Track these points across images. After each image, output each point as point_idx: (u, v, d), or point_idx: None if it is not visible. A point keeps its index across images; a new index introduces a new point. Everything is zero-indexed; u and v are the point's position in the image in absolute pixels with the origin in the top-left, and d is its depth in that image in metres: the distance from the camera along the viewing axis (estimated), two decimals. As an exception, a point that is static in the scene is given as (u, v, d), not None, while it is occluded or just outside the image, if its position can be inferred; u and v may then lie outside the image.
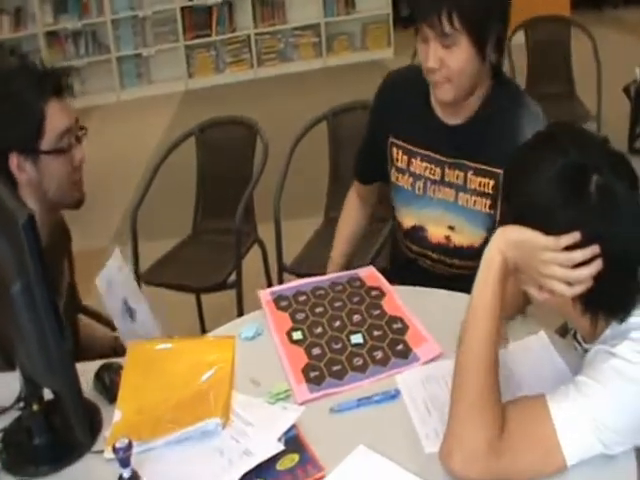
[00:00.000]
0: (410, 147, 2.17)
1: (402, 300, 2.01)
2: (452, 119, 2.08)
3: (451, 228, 2.14)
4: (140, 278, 3.38)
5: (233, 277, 3.41)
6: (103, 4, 8.28)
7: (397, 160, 2.20)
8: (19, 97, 1.90)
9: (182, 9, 8.50)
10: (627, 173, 1.41)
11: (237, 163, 3.71)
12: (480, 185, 2.06)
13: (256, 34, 8.76)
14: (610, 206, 1.37)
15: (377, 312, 1.98)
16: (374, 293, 2.06)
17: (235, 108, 5.25)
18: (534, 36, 5.28)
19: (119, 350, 2.18)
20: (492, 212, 2.04)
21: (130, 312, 2.03)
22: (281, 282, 3.36)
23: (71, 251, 2.27)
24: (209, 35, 8.69)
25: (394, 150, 2.20)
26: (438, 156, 2.11)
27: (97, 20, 8.37)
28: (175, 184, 4.46)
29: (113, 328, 2.50)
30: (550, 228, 1.38)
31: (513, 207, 1.48)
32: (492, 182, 2.02)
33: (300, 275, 3.24)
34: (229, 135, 3.78)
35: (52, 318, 1.39)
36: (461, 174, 2.08)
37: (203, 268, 3.52)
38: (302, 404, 1.67)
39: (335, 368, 1.78)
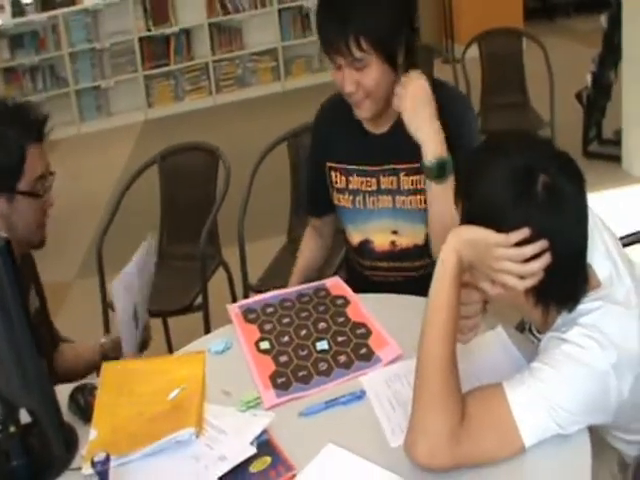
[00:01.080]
0: (346, 166, 2.24)
1: (365, 307, 2.08)
2: (379, 128, 2.18)
3: (394, 232, 2.22)
4: (108, 306, 3.42)
5: (199, 300, 3.46)
6: (60, 38, 8.28)
7: (336, 182, 2.28)
8: (3, 135, 1.97)
9: (140, 39, 8.53)
10: (572, 172, 1.50)
11: (200, 188, 3.76)
12: (412, 184, 2.15)
13: (214, 61, 8.81)
14: (557, 203, 1.46)
15: (342, 319, 2.05)
16: (339, 302, 2.13)
17: (196, 135, 5.28)
18: (487, 49, 5.39)
19: (108, 356, 2.24)
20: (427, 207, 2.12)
21: (136, 319, 2.09)
22: (247, 301, 3.43)
23: (38, 276, 2.30)
24: (167, 64, 8.72)
25: (332, 174, 2.28)
26: (371, 167, 2.20)
27: (54, 54, 8.36)
28: (139, 212, 4.49)
29: None
30: (501, 226, 1.47)
31: (466, 208, 1.56)
32: (423, 177, 2.07)
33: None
34: (191, 161, 3.83)
35: (28, 338, 1.45)
36: (394, 179, 2.17)
37: (169, 292, 3.54)
38: (270, 409, 1.74)
39: (301, 373, 1.85)
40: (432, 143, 1.97)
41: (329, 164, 2.28)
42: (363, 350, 1.90)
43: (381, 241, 2.26)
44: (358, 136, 2.21)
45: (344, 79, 2.02)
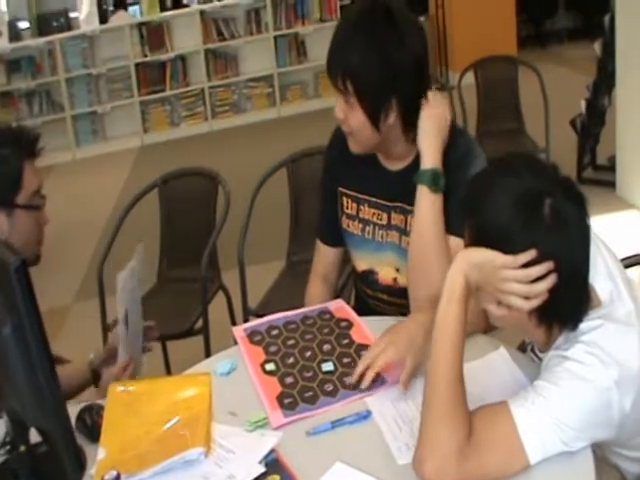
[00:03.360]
0: (357, 195, 2.26)
1: (369, 329, 2.09)
2: (394, 165, 2.19)
3: (397, 270, 2.23)
4: (108, 329, 3.42)
5: (199, 324, 3.47)
6: (56, 63, 8.32)
7: (347, 208, 2.29)
8: (1, 152, 2.01)
9: (136, 65, 8.59)
10: (576, 196, 1.54)
11: (200, 213, 3.80)
12: None
13: (210, 87, 8.86)
14: (562, 226, 1.50)
15: (346, 341, 2.06)
16: (343, 324, 2.14)
17: (192, 161, 5.31)
18: (483, 76, 5.46)
19: (97, 373, 2.25)
20: None
21: (126, 322, 2.11)
22: (247, 325, 3.44)
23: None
24: (163, 90, 8.77)
25: (344, 199, 2.30)
26: (383, 202, 2.21)
27: (51, 79, 8.40)
28: (138, 236, 4.49)
29: None
30: (508, 248, 1.51)
31: (473, 230, 1.60)
32: None
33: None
34: (191, 186, 3.86)
35: (44, 357, 1.46)
36: (403, 218, 2.17)
37: (169, 316, 3.55)
38: (277, 428, 1.76)
39: (307, 394, 1.87)
40: (431, 156, 2.02)
41: (340, 189, 2.30)
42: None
43: (385, 275, 2.27)
44: (372, 168, 2.21)
45: (336, 103, 2.06)
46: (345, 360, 1.98)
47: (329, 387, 1.89)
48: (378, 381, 1.87)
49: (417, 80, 2.02)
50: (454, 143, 2.08)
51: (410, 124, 2.06)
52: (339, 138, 2.22)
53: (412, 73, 1.99)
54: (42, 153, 2.13)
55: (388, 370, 1.86)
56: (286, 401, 1.86)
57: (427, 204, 2.02)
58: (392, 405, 1.79)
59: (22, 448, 1.68)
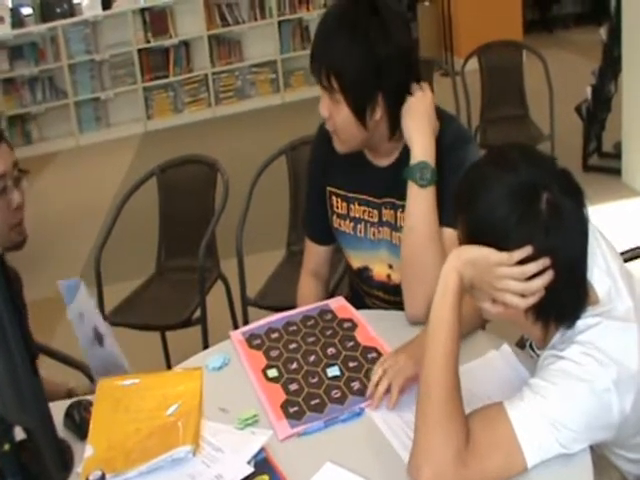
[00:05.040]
0: (347, 194, 2.21)
1: (374, 329, 2.03)
2: (381, 161, 2.14)
3: (390, 267, 2.18)
4: (105, 320, 3.39)
5: (198, 314, 3.43)
6: (59, 49, 8.30)
7: (337, 207, 2.24)
8: None
9: (139, 51, 8.56)
10: (573, 189, 1.49)
11: (198, 201, 3.76)
12: None
13: (213, 73, 8.83)
14: (558, 221, 1.44)
15: (351, 344, 1.99)
16: (346, 325, 2.07)
17: (195, 147, 5.29)
18: (487, 61, 5.39)
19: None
20: None
21: (99, 338, 2.06)
22: (245, 316, 3.41)
23: (22, 293, 2.25)
24: (167, 76, 8.74)
25: (333, 198, 2.25)
26: (373, 199, 2.16)
27: (54, 65, 8.39)
28: (137, 225, 4.49)
29: (73, 365, 2.53)
30: (503, 244, 1.45)
31: (467, 225, 1.54)
32: None
33: (264, 308, 3.28)
34: (190, 174, 3.81)
35: (24, 354, 1.43)
36: (393, 213, 2.12)
37: (168, 306, 3.54)
38: (284, 440, 1.68)
39: (314, 402, 1.79)
40: (418, 150, 1.97)
41: (329, 189, 2.25)
42: None
43: (379, 271, 2.22)
44: (359, 165, 2.17)
45: (321, 101, 2.02)
46: (351, 364, 1.91)
47: (336, 393, 1.81)
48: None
49: (403, 74, 1.97)
50: (443, 130, 2.03)
51: (397, 119, 2.01)
52: (324, 135, 2.17)
53: (398, 67, 1.94)
54: (3, 135, 2.06)
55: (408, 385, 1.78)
56: (292, 410, 1.77)
57: (416, 199, 1.97)
58: (396, 413, 1.71)
59: (6, 447, 1.64)
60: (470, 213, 1.53)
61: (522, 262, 1.45)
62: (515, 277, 1.45)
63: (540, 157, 1.55)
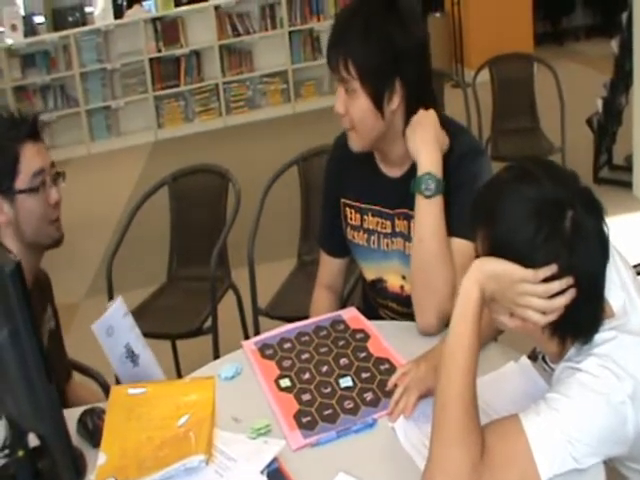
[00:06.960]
0: (360, 205, 2.22)
1: (386, 340, 2.03)
2: (394, 172, 2.15)
3: (403, 277, 2.18)
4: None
5: (208, 323, 3.43)
6: (71, 58, 8.34)
7: (351, 219, 2.25)
8: None
9: (150, 60, 8.59)
10: (595, 207, 1.48)
11: (210, 210, 3.77)
12: None
13: (224, 83, 8.85)
14: (581, 240, 1.44)
15: (363, 354, 1.98)
16: (359, 336, 2.07)
17: (206, 156, 5.29)
18: (498, 73, 5.40)
19: None
20: None
21: (132, 357, 2.06)
22: (256, 326, 3.40)
23: (53, 297, 2.31)
24: (178, 85, 8.77)
25: (347, 210, 2.26)
26: (386, 210, 2.16)
27: (65, 74, 8.43)
28: (149, 233, 4.49)
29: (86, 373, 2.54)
30: (528, 261, 1.44)
31: (488, 239, 1.52)
32: None
33: (275, 318, 3.29)
34: (201, 183, 3.83)
35: (39, 362, 1.43)
36: (406, 224, 2.12)
37: (179, 315, 3.55)
38: (297, 450, 1.68)
39: (327, 412, 1.79)
40: (423, 163, 1.98)
41: (343, 200, 2.26)
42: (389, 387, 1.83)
43: (393, 283, 2.22)
44: (372, 176, 2.18)
45: (337, 97, 2.04)
46: (364, 375, 1.90)
47: (349, 404, 1.80)
48: None
49: (420, 63, 2.00)
50: (454, 142, 2.04)
51: (413, 112, 2.02)
52: (339, 149, 2.20)
53: (415, 56, 1.98)
54: (44, 131, 2.11)
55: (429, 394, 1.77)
56: (304, 420, 1.77)
57: (423, 210, 1.99)
58: (415, 425, 1.70)
59: (20, 453, 1.65)
60: (492, 228, 1.51)
61: (546, 280, 1.44)
62: (539, 295, 1.45)
63: (564, 173, 1.53)
